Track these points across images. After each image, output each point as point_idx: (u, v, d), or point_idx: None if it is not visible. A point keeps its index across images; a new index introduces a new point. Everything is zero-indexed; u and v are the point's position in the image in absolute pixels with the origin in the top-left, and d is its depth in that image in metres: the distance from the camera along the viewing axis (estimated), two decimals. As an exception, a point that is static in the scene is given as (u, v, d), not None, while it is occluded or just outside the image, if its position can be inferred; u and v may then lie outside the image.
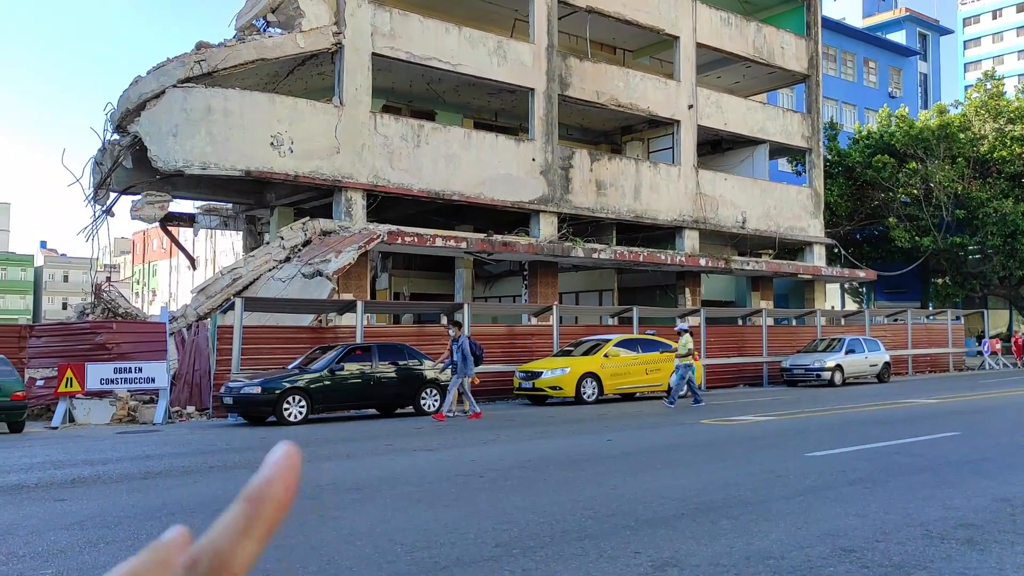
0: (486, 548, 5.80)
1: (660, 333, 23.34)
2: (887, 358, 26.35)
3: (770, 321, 30.75)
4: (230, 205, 29.79)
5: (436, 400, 16.44)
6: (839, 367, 24.38)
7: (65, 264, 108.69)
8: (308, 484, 8.33)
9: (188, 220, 32.05)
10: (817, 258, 35.13)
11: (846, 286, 43.87)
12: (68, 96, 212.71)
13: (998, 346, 34.74)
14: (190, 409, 16.66)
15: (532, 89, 26.88)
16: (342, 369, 15.23)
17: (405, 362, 16.35)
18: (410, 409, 16.50)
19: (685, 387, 18.00)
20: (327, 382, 14.98)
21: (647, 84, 29.84)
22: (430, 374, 16.45)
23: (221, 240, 57.36)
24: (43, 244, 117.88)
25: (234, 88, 21.74)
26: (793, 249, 36.28)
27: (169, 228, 31.93)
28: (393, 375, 16.01)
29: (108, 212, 23.56)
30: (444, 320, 20.89)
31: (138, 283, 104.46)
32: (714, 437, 12.01)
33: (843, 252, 38.00)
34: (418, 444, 11.52)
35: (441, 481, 8.45)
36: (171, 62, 21.39)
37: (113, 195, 23.86)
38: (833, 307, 39.73)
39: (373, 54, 23.43)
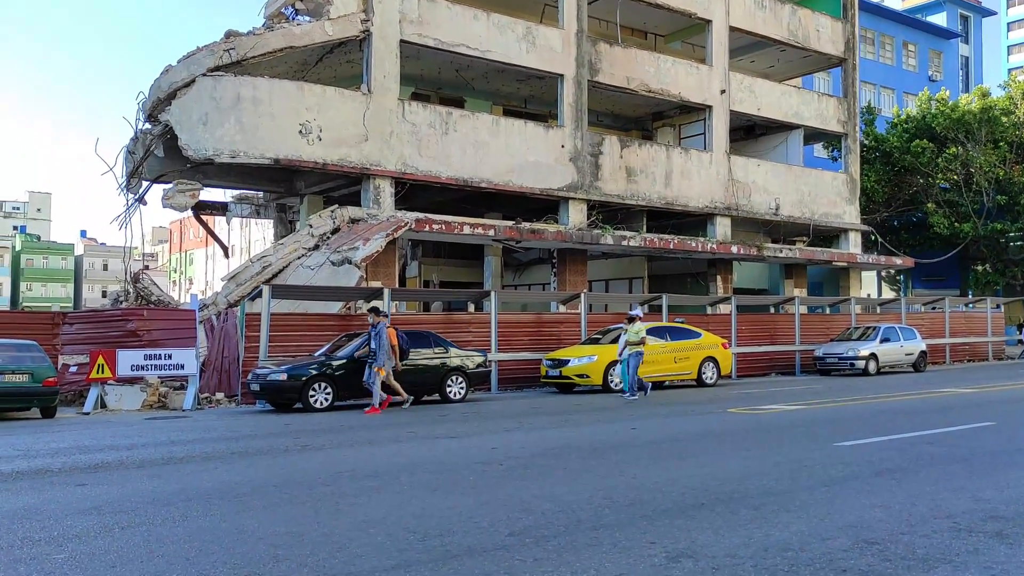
0: (499, 537, 5.73)
1: (689, 321, 23.12)
2: (923, 347, 25.83)
3: (803, 309, 30.35)
4: (262, 194, 29.97)
5: (463, 388, 16.42)
6: (873, 356, 23.95)
7: (105, 253, 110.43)
8: (326, 471, 8.33)
9: (221, 209, 32.31)
10: (852, 245, 34.54)
11: (883, 274, 43.11)
12: (109, 86, 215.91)
13: (1039, 335, 33.94)
14: (219, 396, 16.80)
15: (561, 75, 26.66)
16: (367, 356, 15.22)
17: (431, 349, 16.31)
18: (437, 397, 16.46)
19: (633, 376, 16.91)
20: (353, 369, 14.99)
21: (678, 69, 29.47)
22: (456, 361, 16.41)
23: (255, 229, 57.95)
24: (83, 233, 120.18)
25: (263, 76, 21.82)
26: (828, 236, 35.71)
27: (202, 216, 32.25)
28: (420, 362, 15.99)
29: (140, 200, 23.82)
30: (447, 305, 20.86)
31: (175, 271, 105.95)
32: (741, 426, 11.83)
33: (879, 239, 37.32)
34: (441, 431, 11.49)
35: (460, 468, 8.40)
36: (201, 51, 21.51)
37: (145, 184, 24.10)
38: (869, 295, 39.06)
39: (401, 41, 23.37)
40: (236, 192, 31.42)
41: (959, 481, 7.61)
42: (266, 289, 16.46)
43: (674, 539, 5.66)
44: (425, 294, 25.06)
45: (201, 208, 31.10)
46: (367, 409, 14.63)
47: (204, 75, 21.23)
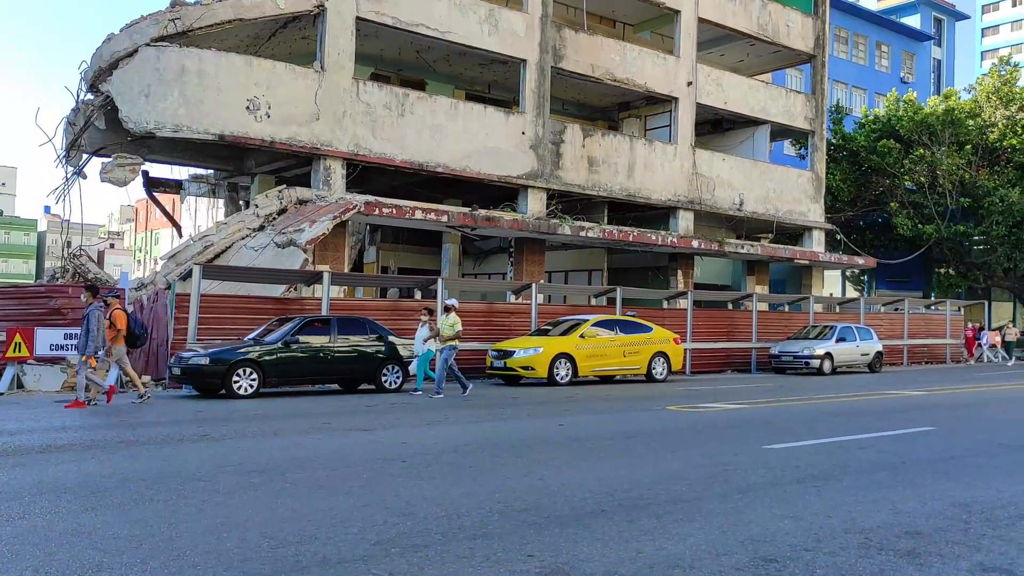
0: (363, 545, 5.18)
1: (644, 315, 22.70)
2: (879, 347, 25.62)
3: (764, 306, 30.08)
4: (212, 172, 29.14)
5: (399, 377, 15.84)
6: (829, 355, 23.67)
7: (69, 229, 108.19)
8: (212, 464, 7.75)
9: (175, 187, 31.41)
10: (816, 243, 34.32)
11: (847, 273, 43.02)
12: (67, 56, 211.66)
13: (997, 339, 33.92)
14: (146, 379, 16.07)
15: (524, 60, 26.06)
16: (298, 342, 14.60)
17: (366, 337, 15.70)
18: (373, 387, 15.87)
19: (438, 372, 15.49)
20: (281, 355, 14.37)
21: (645, 59, 28.97)
22: (391, 350, 15.80)
23: (223, 209, 56.87)
24: (47, 209, 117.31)
25: (210, 49, 21.02)
26: (793, 234, 35.46)
27: (155, 195, 31.36)
28: (353, 350, 15.38)
29: (79, 174, 22.92)
30: (419, 295, 20.28)
31: (140, 251, 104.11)
32: (675, 425, 11.37)
33: (843, 238, 37.15)
34: (358, 423, 10.91)
35: (357, 465, 7.84)
36: (145, 20, 20.68)
37: (85, 157, 23.21)
38: (832, 294, 38.93)
39: (357, 18, 22.65)
40: (192, 171, 30.58)
41: (883, 491, 7.18)
42: (196, 269, 15.77)
43: (556, 552, 5.15)
44: (367, 279, 24.36)
45: (154, 185, 30.23)
46: (66, 404, 12.70)
47: (147, 45, 20.39)
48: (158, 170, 29.93)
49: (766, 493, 6.99)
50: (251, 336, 15.10)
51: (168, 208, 55.71)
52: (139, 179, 29.83)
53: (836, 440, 10.09)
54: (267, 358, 14.21)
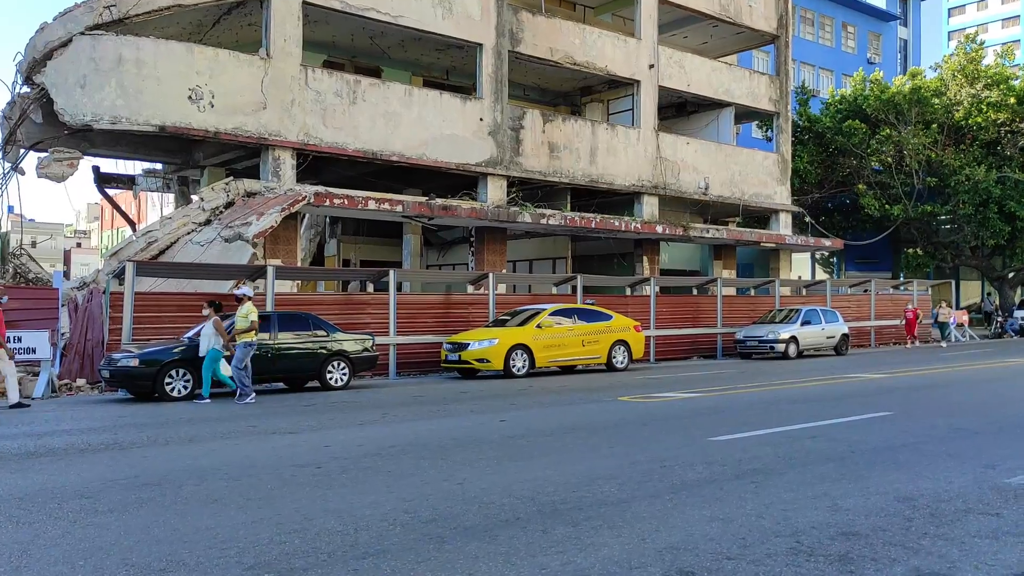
0: (234, 570, 4.63)
1: (608, 302, 22.24)
2: (845, 330, 25.33)
3: (731, 291, 29.74)
4: (161, 166, 28.32)
5: (345, 374, 15.23)
6: (794, 339, 23.34)
7: (33, 229, 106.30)
8: (103, 479, 7.14)
9: (128, 182, 30.51)
10: (783, 226, 34.01)
11: (817, 256, 42.84)
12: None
13: (965, 318, 33.78)
14: (80, 382, 15.41)
15: (480, 44, 25.42)
16: (235, 340, 13.95)
17: (310, 333, 15.09)
18: (320, 383, 15.26)
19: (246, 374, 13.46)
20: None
21: (605, 41, 28.42)
22: (337, 346, 15.20)
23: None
24: (11, 209, 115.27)
25: (149, 37, 20.22)
26: (761, 217, 35.15)
27: (109, 191, 30.50)
28: (295, 347, 14.77)
29: (16, 169, 22.07)
30: (370, 287, 19.68)
31: (107, 249, 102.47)
32: (622, 417, 10.88)
33: (811, 221, 36.89)
34: (285, 425, 10.33)
35: (265, 473, 7.27)
36: (79, 7, 19.85)
37: (23, 151, 22.35)
38: (800, 277, 38.72)
39: (304, 2, 21.91)
40: (146, 165, 29.73)
41: (825, 485, 6.72)
42: (129, 266, 15.07)
43: (451, 570, 4.62)
44: (316, 272, 23.70)
45: (106, 181, 29.35)
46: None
47: (82, 34, 19.58)
48: (111, 166, 29.13)
49: (700, 492, 6.51)
50: (188, 335, 14.43)
51: (135, 204, 54.59)
52: (91, 175, 29.10)
53: (787, 429, 9.64)
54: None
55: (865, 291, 31.21)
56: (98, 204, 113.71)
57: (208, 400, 13.29)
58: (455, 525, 5.58)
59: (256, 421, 10.76)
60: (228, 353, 13.50)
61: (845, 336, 25.26)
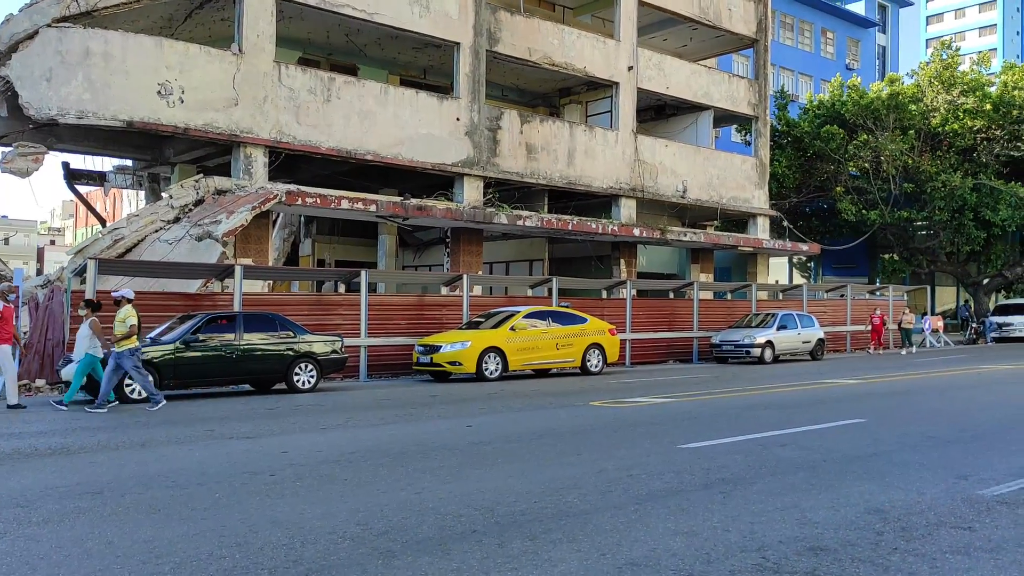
0: (165, 587, 4.35)
1: (583, 305, 22.05)
2: (821, 334, 25.26)
3: (708, 295, 29.63)
4: (131, 162, 27.82)
5: (312, 376, 14.89)
6: (770, 343, 23.23)
7: (5, 226, 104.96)
8: (42, 486, 6.82)
9: (98, 178, 29.95)
10: (761, 231, 33.96)
11: (795, 260, 42.89)
12: None
13: (940, 324, 33.88)
14: (40, 383, 14.99)
15: (457, 43, 25.14)
16: (198, 341, 13.61)
17: (276, 334, 14.74)
18: (287, 385, 14.93)
19: (116, 382, 12.47)
20: (179, 355, 13.36)
21: (584, 43, 28.23)
22: (305, 347, 14.87)
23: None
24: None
25: (118, 31, 19.80)
26: (740, 221, 35.10)
27: (77, 187, 29.95)
28: (261, 348, 14.41)
29: (-21, 164, 21.50)
30: (341, 288, 19.35)
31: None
32: (591, 423, 10.65)
33: (789, 225, 36.89)
34: (245, 430, 10.01)
35: (215, 481, 6.97)
36: (45, -1, 19.37)
37: (-14, 146, 21.82)
38: (778, 281, 38.70)
39: (277, -2, 21.56)
40: (117, 161, 29.20)
41: (795, 496, 6.52)
42: (91, 264, 14.67)
43: (396, 588, 4.37)
44: (285, 272, 23.20)
45: (76, 177, 28.82)
46: None
47: (49, 26, 19.10)
48: (81, 162, 28.54)
49: (666, 503, 6.29)
50: (151, 336, 14.07)
51: (109, 202, 53.71)
52: (61, 171, 28.55)
53: (758, 436, 9.45)
54: (164, 359, 13.20)
55: (841, 296, 31.20)
56: (72, 201, 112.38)
57: (65, 407, 12.18)
58: (408, 538, 5.32)
59: (215, 425, 10.44)
60: (102, 357, 12.61)
61: (821, 341, 25.20)
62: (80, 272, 16.11)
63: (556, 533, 5.45)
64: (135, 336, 12.32)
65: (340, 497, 6.43)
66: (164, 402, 12.36)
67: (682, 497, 6.48)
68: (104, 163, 29.60)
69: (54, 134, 22.04)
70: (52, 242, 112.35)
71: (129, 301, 12.67)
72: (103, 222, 32.04)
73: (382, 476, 7.22)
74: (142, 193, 30.62)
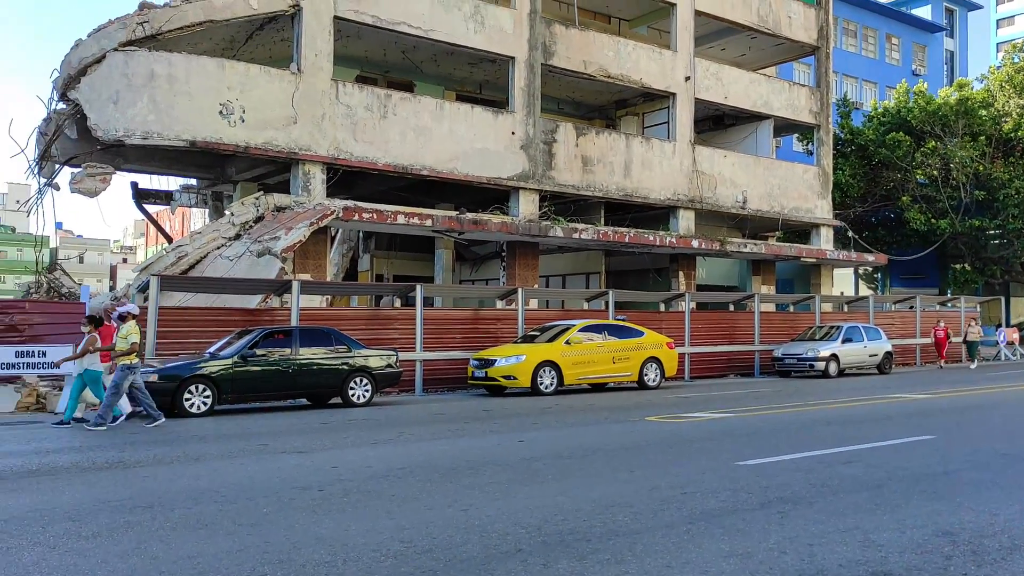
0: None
1: (641, 318, 21.77)
2: (889, 347, 24.48)
3: (769, 307, 29.02)
4: (195, 181, 28.50)
5: (367, 390, 14.95)
6: (834, 357, 22.58)
7: (80, 244, 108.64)
8: (94, 500, 6.90)
9: (165, 198, 30.77)
10: (824, 241, 33.17)
11: (860, 271, 41.81)
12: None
13: (1015, 336, 32.53)
14: (104, 397, 15.29)
15: (512, 58, 25.20)
16: (255, 356, 13.77)
17: (331, 348, 14.84)
18: (342, 399, 14.99)
19: (122, 399, 12.36)
20: (237, 370, 13.53)
21: (640, 54, 28.03)
22: (360, 361, 14.93)
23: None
24: (59, 225, 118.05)
25: (181, 53, 20.32)
26: (803, 232, 34.36)
27: (146, 206, 30.78)
28: (316, 362, 14.52)
29: (51, 184, 22.28)
30: (396, 302, 19.43)
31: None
32: (646, 439, 10.41)
33: (853, 235, 35.97)
34: (298, 444, 10.04)
35: (263, 496, 6.96)
36: (112, 24, 20.01)
37: (57, 167, 22.57)
38: (843, 293, 37.71)
39: (335, 17, 21.89)
40: (183, 180, 29.97)
41: (858, 516, 6.22)
42: (153, 280, 15.00)
43: (435, 609, 4.25)
44: (343, 287, 23.37)
45: (144, 197, 29.63)
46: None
47: (116, 50, 19.71)
48: (150, 182, 29.36)
49: (720, 522, 6.05)
50: (210, 350, 14.29)
51: (179, 221, 55.22)
52: (130, 191, 29.39)
53: (820, 453, 9.11)
54: (221, 374, 13.38)
55: (911, 308, 30.24)
56: (143, 220, 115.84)
57: (69, 424, 12.13)
58: (451, 557, 5.21)
59: (269, 439, 10.50)
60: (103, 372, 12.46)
61: (888, 354, 24.41)
62: (143, 288, 16.48)
63: (604, 553, 5.28)
64: (135, 353, 12.13)
65: (387, 513, 6.35)
66: (104, 428, 11.80)
67: (737, 517, 6.23)
68: (170, 183, 30.43)
69: (121, 155, 22.70)
70: (124, 260, 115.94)
71: (134, 317, 12.50)
72: (170, 240, 32.85)
73: (430, 492, 7.13)
74: (206, 211, 31.32)
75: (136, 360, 12.18)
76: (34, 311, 16.12)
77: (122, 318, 12.43)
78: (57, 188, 22.45)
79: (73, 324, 15.72)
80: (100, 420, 11.88)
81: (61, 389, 15.06)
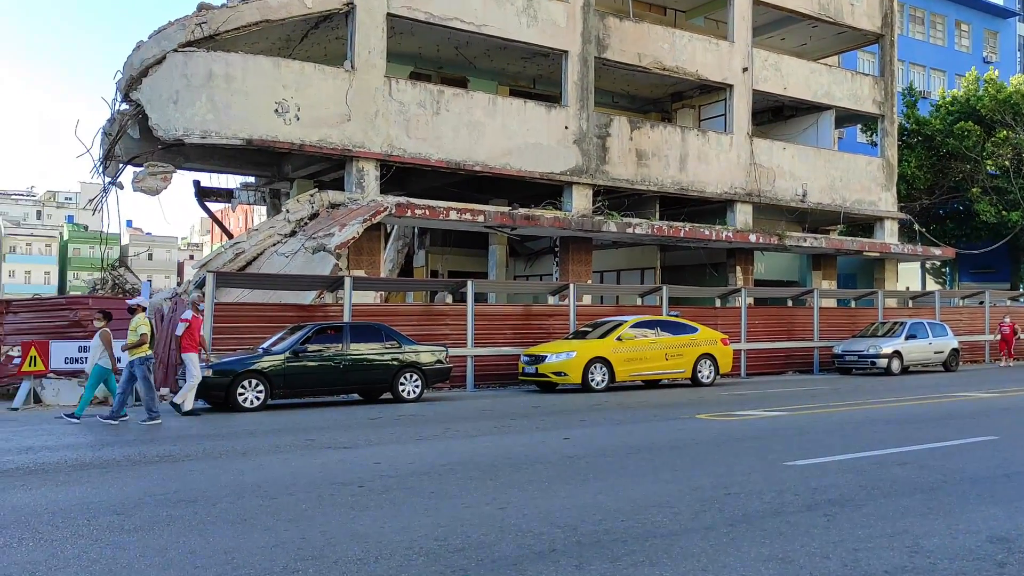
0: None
1: (696, 314, 21.46)
2: (955, 344, 23.68)
3: (831, 303, 28.37)
4: (253, 179, 29.01)
5: (417, 386, 15.03)
6: (897, 354, 21.93)
7: (149, 242, 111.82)
8: (140, 493, 7.04)
9: (226, 195, 31.41)
10: (888, 234, 32.25)
11: (928, 266, 40.57)
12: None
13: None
14: (164, 391, 15.67)
15: (565, 52, 25.06)
16: (306, 351, 13.94)
17: (381, 344, 14.95)
18: (393, 395, 15.10)
19: (129, 395, 12.17)
20: (289, 365, 13.73)
21: (696, 45, 27.60)
22: (410, 357, 15.01)
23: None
24: (129, 223, 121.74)
25: (238, 52, 20.68)
26: (866, 225, 33.47)
27: (208, 204, 31.44)
28: (367, 358, 14.64)
29: (115, 183, 22.91)
30: (448, 298, 19.48)
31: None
32: (694, 437, 10.23)
33: (920, 229, 34.90)
34: (344, 440, 10.11)
35: (304, 491, 7.02)
36: (172, 25, 20.47)
37: (121, 166, 23.19)
38: (908, 288, 36.65)
39: (388, 14, 22.04)
40: (242, 179, 30.55)
41: (908, 520, 5.99)
42: (209, 276, 15.30)
43: (461, 610, 4.21)
44: (391, 283, 23.52)
45: (206, 195, 30.27)
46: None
47: (175, 51, 20.17)
48: (212, 180, 30.01)
49: (763, 525, 5.89)
50: (264, 346, 14.53)
51: (243, 218, 56.46)
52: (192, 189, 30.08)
53: (875, 454, 8.83)
54: (274, 369, 13.59)
55: (980, 303, 29.23)
56: (209, 218, 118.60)
57: (78, 420, 11.98)
58: (483, 556, 5.16)
59: (316, 434, 10.62)
60: (111, 368, 12.37)
61: (955, 351, 23.62)
62: (200, 285, 16.82)
63: (639, 555, 5.17)
64: (146, 344, 11.98)
65: (423, 511, 6.34)
66: (159, 421, 11.83)
67: (781, 519, 6.06)
68: (231, 181, 31.05)
69: (182, 154, 23.22)
70: (191, 256, 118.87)
71: (143, 309, 12.33)
72: (231, 237, 33.56)
73: (469, 489, 7.10)
74: (265, 208, 31.87)
75: (149, 352, 12.09)
76: (96, 307, 16.51)
77: (131, 311, 12.24)
78: (121, 187, 23.08)
79: (134, 320, 16.14)
80: (153, 414, 11.88)
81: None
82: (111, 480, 7.60)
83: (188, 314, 13.35)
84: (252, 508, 6.41)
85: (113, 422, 11.78)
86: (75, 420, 12.11)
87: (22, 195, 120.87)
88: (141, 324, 12.03)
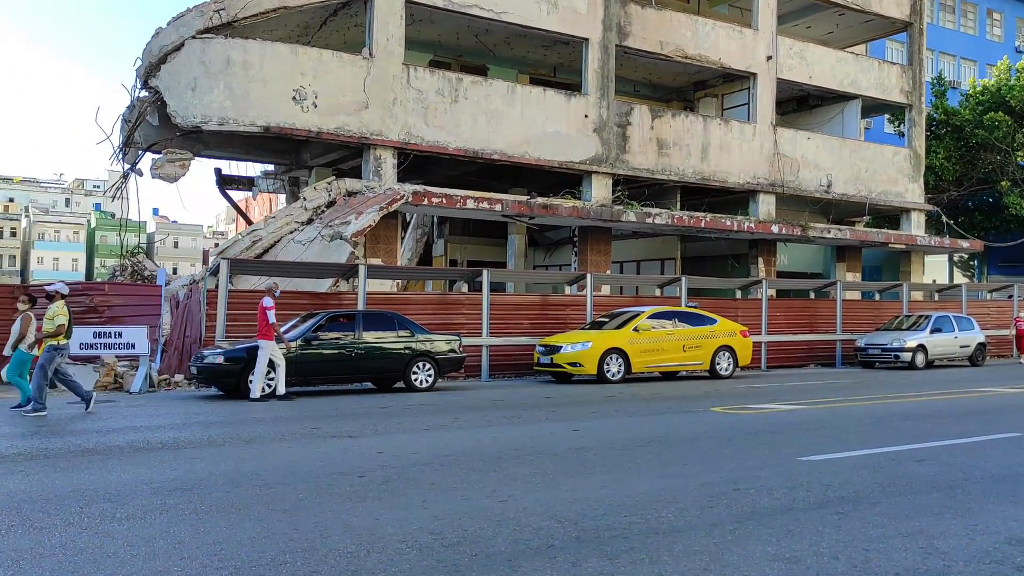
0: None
1: (718, 306, 21.16)
2: (982, 338, 23.20)
3: (855, 295, 27.92)
4: (273, 167, 29.00)
5: (430, 375, 14.90)
6: (922, 347, 21.51)
7: (175, 230, 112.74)
8: (137, 480, 6.95)
9: (247, 183, 31.47)
10: (915, 226, 31.69)
11: (955, 259, 39.87)
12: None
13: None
14: (178, 378, 15.70)
15: (586, 39, 24.76)
16: (318, 339, 13.86)
17: (394, 333, 14.83)
18: (405, 383, 14.98)
19: (46, 383, 11.27)
20: (302, 352, 13.65)
21: (719, 33, 27.19)
22: (423, 346, 14.88)
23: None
24: (155, 211, 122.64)
25: (256, 39, 20.60)
26: (892, 217, 32.91)
27: (229, 192, 31.50)
28: (379, 346, 14.53)
29: (134, 170, 22.96)
30: (465, 287, 19.33)
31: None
32: (705, 431, 10.01)
33: (948, 220, 34.26)
34: (349, 428, 10.00)
35: (303, 481, 6.90)
36: (190, 12, 20.43)
37: (140, 153, 23.23)
38: (935, 281, 36.02)
39: (407, 1, 21.86)
40: (263, 167, 30.57)
41: (923, 520, 5.76)
42: (223, 263, 15.24)
43: (448, 607, 4.05)
44: (406, 272, 23.30)
45: (227, 183, 30.33)
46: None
47: (193, 38, 20.14)
48: (234, 168, 30.04)
49: (771, 522, 5.69)
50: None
51: (267, 206, 56.62)
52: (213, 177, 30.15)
53: (891, 450, 8.57)
54: (286, 356, 13.50)
55: (1009, 297, 28.63)
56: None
57: (31, 410, 11.17)
58: (478, 551, 5.00)
59: (323, 423, 10.51)
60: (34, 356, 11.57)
61: (981, 345, 23.15)
62: (215, 272, 16.78)
63: (640, 552, 4.99)
64: (62, 335, 11.30)
65: (421, 503, 6.19)
66: (44, 413, 11.07)
67: (791, 517, 5.85)
68: (251, 169, 31.08)
69: (201, 141, 23.20)
70: (216, 244, 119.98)
71: (63, 297, 11.58)
72: (250, 223, 33.61)
73: (471, 481, 6.95)
74: (284, 196, 31.87)
75: (65, 342, 11.42)
76: (112, 293, 16.58)
77: (50, 297, 11.56)
78: (140, 174, 23.14)
79: (152, 306, 16.18)
80: (38, 405, 11.09)
81: (136, 369, 15.49)
82: (111, 467, 7.52)
83: (268, 301, 13.29)
84: (248, 497, 6.30)
85: (41, 412, 11.10)
86: (29, 409, 11.22)
87: (51, 183, 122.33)
88: (59, 314, 11.34)
